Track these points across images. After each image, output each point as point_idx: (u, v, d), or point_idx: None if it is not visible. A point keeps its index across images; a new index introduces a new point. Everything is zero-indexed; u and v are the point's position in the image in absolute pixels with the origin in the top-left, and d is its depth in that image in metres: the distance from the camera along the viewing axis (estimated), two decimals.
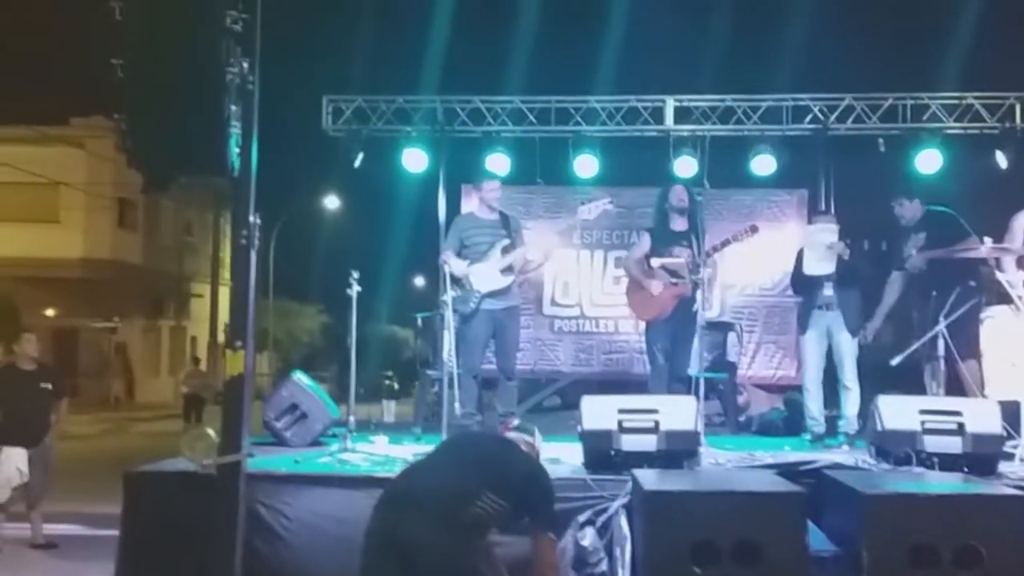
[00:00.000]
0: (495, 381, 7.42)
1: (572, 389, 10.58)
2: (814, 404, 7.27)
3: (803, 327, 7.37)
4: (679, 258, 7.07)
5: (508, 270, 7.13)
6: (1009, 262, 6.56)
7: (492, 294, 7.04)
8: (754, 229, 7.34)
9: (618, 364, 10.06)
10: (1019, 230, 6.59)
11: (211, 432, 5.07)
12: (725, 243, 7.31)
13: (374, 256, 9.71)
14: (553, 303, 10.28)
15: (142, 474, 5.59)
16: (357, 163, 9.90)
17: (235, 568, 4.88)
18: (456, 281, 7.04)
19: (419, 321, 8.66)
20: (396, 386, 10.50)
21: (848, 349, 7.21)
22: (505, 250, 7.17)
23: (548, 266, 9.91)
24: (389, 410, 9.72)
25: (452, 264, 7.16)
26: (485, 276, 7.10)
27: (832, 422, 7.35)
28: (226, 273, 27.27)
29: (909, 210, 7.35)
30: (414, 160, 9.87)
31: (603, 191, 9.90)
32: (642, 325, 8.71)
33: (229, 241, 27.18)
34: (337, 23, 9.39)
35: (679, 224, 7.38)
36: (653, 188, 9.22)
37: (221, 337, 26.11)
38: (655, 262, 7.18)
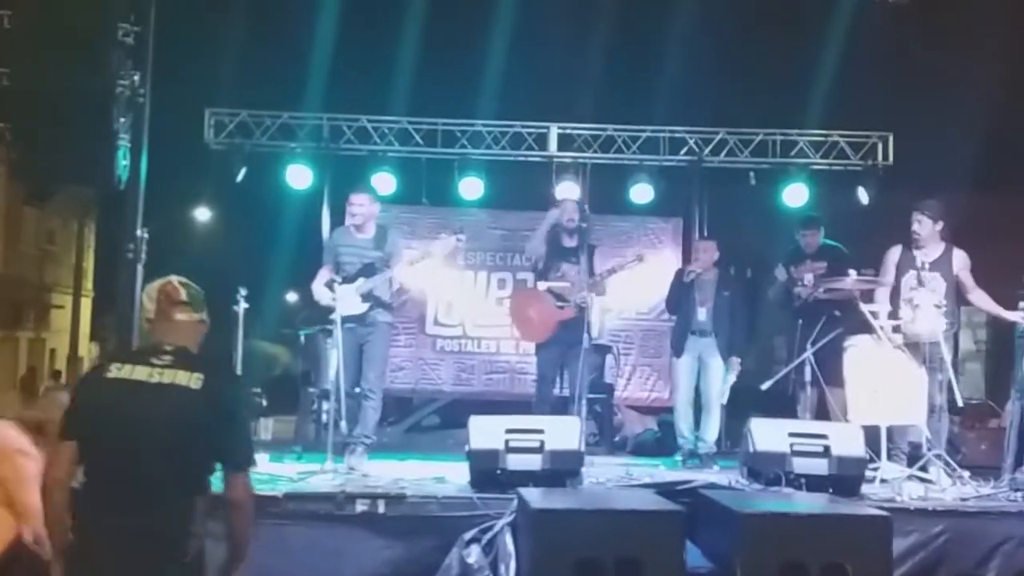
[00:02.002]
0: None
1: (451, 409, 10.66)
2: (684, 424, 7.55)
3: (677, 351, 7.61)
4: (565, 282, 7.17)
5: (367, 296, 6.88)
6: (882, 293, 6.90)
7: (349, 318, 6.78)
8: (640, 258, 7.52)
9: (499, 384, 10.19)
10: (891, 264, 6.94)
11: None
12: (612, 271, 7.41)
13: (249, 271, 9.56)
14: (436, 323, 10.34)
15: None
16: (240, 177, 9.79)
17: None
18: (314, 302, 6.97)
19: (302, 338, 8.58)
20: (264, 403, 10.33)
21: (717, 374, 7.51)
22: (368, 273, 6.93)
23: (431, 286, 10.03)
24: (266, 428, 9.57)
25: (315, 287, 7.00)
26: (345, 299, 6.81)
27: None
28: (88, 284, 26.37)
29: (814, 237, 7.69)
30: (298, 177, 9.81)
31: (485, 214, 10.11)
32: (523, 346, 8.87)
33: (93, 252, 26.33)
34: (222, 36, 9.26)
35: (568, 241, 7.40)
36: (536, 212, 9.42)
37: (82, 350, 25.21)
38: (541, 285, 7.26)
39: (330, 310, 6.77)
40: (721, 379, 7.51)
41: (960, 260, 6.82)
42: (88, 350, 26.56)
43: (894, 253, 6.96)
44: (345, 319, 6.74)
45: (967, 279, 6.79)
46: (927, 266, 6.66)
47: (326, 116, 9.93)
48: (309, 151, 9.88)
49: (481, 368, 10.30)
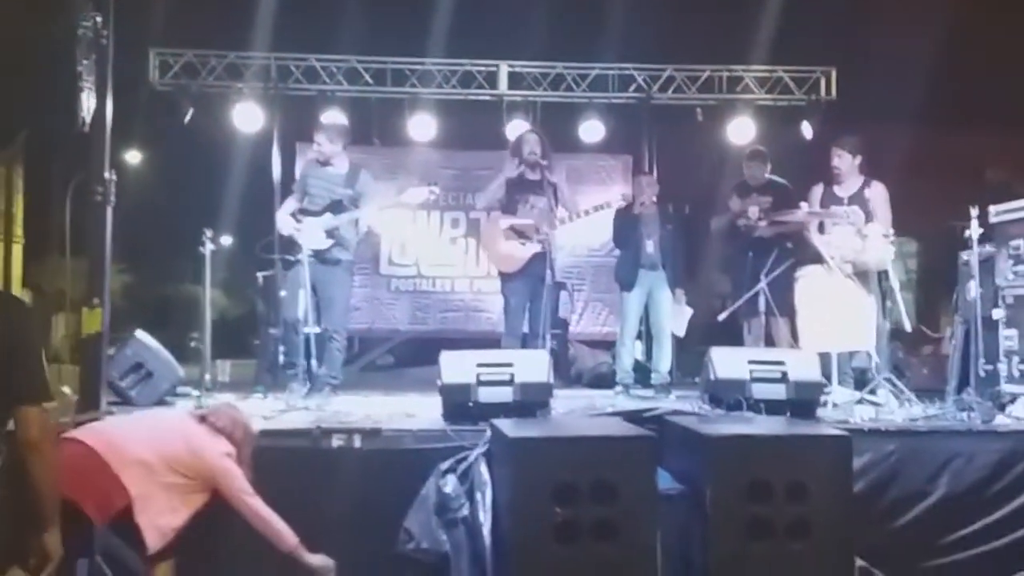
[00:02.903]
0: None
1: (405, 348, 10.79)
2: (629, 358, 7.75)
3: (627, 285, 7.72)
4: (529, 219, 7.20)
5: (331, 233, 6.90)
6: (812, 226, 7.17)
7: (313, 253, 6.79)
8: (625, 197, 7.63)
9: (454, 322, 10.32)
10: (815, 201, 7.17)
11: (68, 390, 5.00)
12: (598, 208, 7.45)
13: (198, 214, 9.50)
14: (390, 263, 10.41)
15: None
16: (187, 119, 9.67)
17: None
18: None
19: (260, 279, 8.59)
20: (202, 347, 10.33)
21: (667, 306, 7.68)
22: (336, 210, 6.96)
23: (385, 226, 10.05)
24: (223, 370, 9.60)
25: (278, 217, 7.01)
26: (309, 233, 6.85)
27: (645, 374, 7.85)
28: (18, 230, 25.75)
29: (760, 171, 7.87)
30: (246, 118, 9.71)
31: (437, 154, 10.12)
32: (478, 284, 8.95)
33: (22, 196, 25.68)
34: None
35: (531, 174, 7.36)
36: (487, 151, 9.48)
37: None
38: (504, 222, 7.25)
39: (289, 248, 6.81)
40: (670, 310, 7.69)
41: (877, 192, 7.05)
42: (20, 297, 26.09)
43: (817, 190, 7.21)
44: (300, 251, 6.74)
45: (878, 210, 6.97)
46: (846, 200, 6.97)
47: (274, 56, 9.81)
48: (257, 91, 9.78)
49: (436, 307, 10.41)
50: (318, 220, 6.90)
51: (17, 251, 25.76)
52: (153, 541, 4.14)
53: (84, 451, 4.09)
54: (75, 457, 4.00)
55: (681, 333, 7.81)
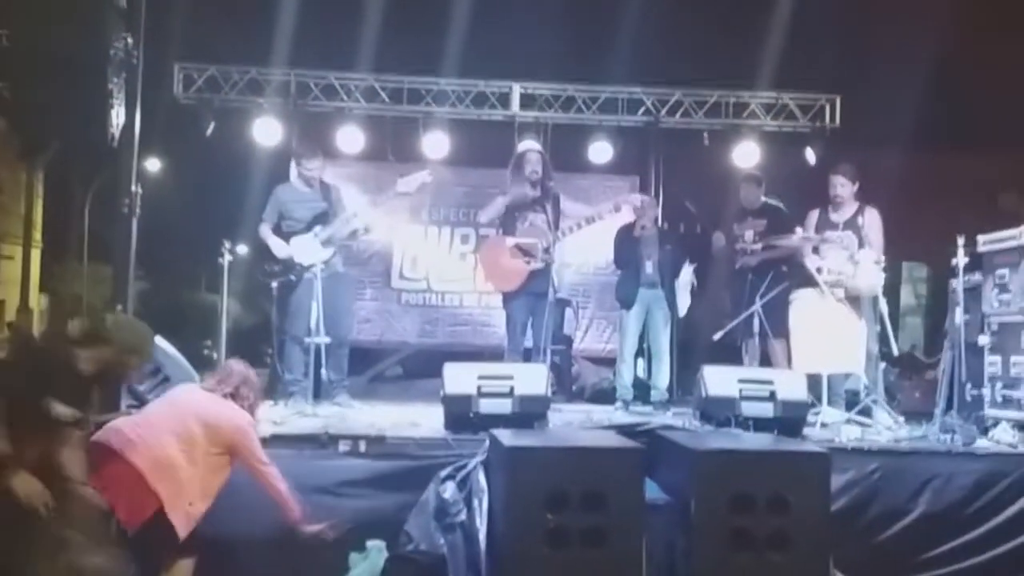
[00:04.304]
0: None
1: (413, 360, 11.03)
2: (628, 375, 7.97)
3: (627, 304, 7.93)
4: (532, 236, 7.41)
5: (329, 241, 7.20)
6: (806, 250, 7.39)
7: (314, 266, 7.03)
8: (617, 208, 7.76)
9: (462, 336, 10.57)
10: (811, 225, 7.41)
11: None
12: (590, 220, 7.60)
13: (209, 224, 9.81)
14: (401, 277, 10.68)
15: None
16: (209, 131, 9.97)
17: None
18: (270, 256, 7.17)
19: (274, 289, 8.83)
20: (215, 354, 10.54)
21: (664, 325, 7.93)
22: (323, 221, 7.23)
23: (397, 241, 10.34)
24: None
25: (271, 243, 7.21)
26: (307, 249, 7.15)
27: (645, 391, 8.08)
28: (37, 234, 26.12)
29: (754, 195, 8.07)
30: (266, 132, 9.99)
31: (450, 171, 10.40)
32: (486, 299, 9.20)
33: (42, 201, 26.02)
34: None
35: (532, 191, 7.55)
36: (499, 170, 9.72)
37: (32, 302, 25.04)
38: (509, 241, 7.45)
39: (289, 269, 7.09)
40: (667, 330, 7.92)
41: (871, 218, 7.27)
42: (38, 301, 26.40)
43: (813, 215, 7.45)
44: (309, 267, 7.03)
45: (871, 236, 7.19)
46: (841, 226, 7.21)
47: (294, 72, 10.13)
48: (277, 107, 10.08)
49: (445, 320, 10.67)
50: (309, 235, 7.20)
51: (36, 255, 26.16)
52: (182, 529, 4.44)
53: (120, 463, 4.39)
54: (109, 466, 4.30)
55: (681, 313, 7.99)
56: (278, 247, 7.21)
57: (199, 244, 10.72)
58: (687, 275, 8.00)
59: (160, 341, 7.16)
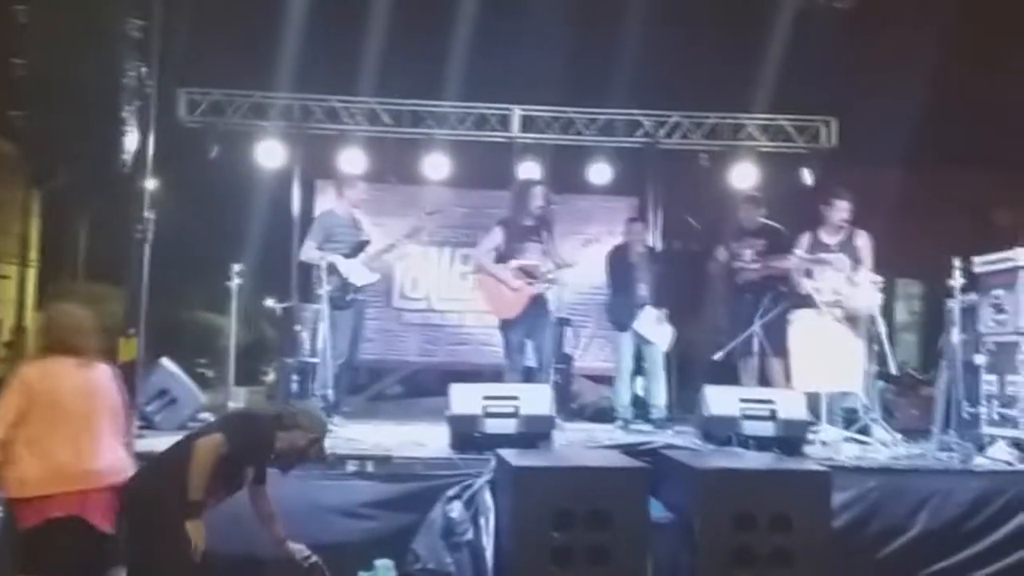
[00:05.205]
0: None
1: (414, 378, 11.13)
2: (626, 394, 8.09)
3: (621, 325, 8.10)
4: (534, 260, 7.58)
5: (372, 267, 7.61)
6: (801, 271, 7.52)
7: (363, 288, 7.50)
8: (612, 232, 8.00)
9: (463, 355, 10.65)
10: (804, 246, 7.54)
11: None
12: (588, 242, 7.89)
13: (211, 245, 9.91)
14: (402, 296, 10.77)
15: None
16: (212, 154, 10.07)
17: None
18: (333, 273, 7.41)
19: (278, 311, 8.96)
20: (210, 374, 10.58)
21: (658, 344, 8.03)
22: (364, 249, 7.64)
23: (398, 261, 10.43)
24: (237, 396, 9.91)
25: (338, 263, 7.49)
26: (360, 272, 7.55)
27: (644, 409, 8.17)
28: (33, 253, 26.08)
29: (753, 215, 8.20)
30: (269, 155, 10.08)
31: (450, 192, 10.52)
32: (486, 318, 9.27)
33: (40, 220, 25.99)
34: (195, 16, 9.51)
35: (529, 221, 7.77)
36: (499, 191, 9.85)
37: (28, 321, 24.98)
38: (513, 263, 7.60)
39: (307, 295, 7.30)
40: (663, 349, 8.03)
41: (864, 240, 7.44)
42: (34, 321, 26.38)
43: (805, 237, 7.59)
44: (355, 290, 7.48)
45: (865, 257, 7.37)
46: (835, 247, 7.36)
47: (297, 96, 10.22)
48: (280, 130, 10.17)
49: (445, 339, 10.75)
50: (356, 260, 7.57)
51: (31, 275, 26.14)
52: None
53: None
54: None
55: (665, 347, 8.09)
56: (347, 267, 7.52)
57: (198, 264, 10.79)
58: (651, 314, 8.06)
59: (167, 363, 7.29)
